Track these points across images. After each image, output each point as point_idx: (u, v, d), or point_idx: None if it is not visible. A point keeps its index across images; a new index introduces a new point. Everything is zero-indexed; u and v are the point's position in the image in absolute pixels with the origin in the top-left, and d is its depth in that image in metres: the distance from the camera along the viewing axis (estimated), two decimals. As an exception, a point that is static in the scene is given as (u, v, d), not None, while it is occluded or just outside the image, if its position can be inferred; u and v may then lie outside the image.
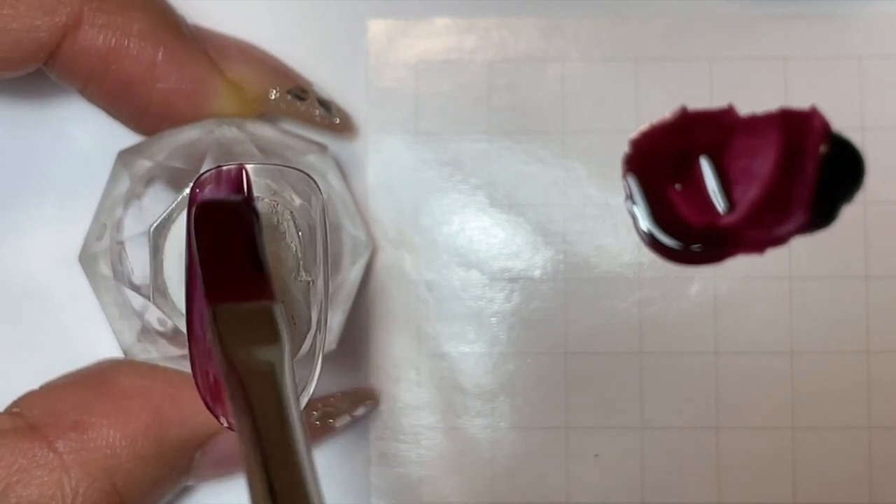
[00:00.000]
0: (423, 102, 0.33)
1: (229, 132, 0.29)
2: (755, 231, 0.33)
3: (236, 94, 0.30)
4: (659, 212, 0.33)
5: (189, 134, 0.29)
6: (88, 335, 0.32)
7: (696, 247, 0.33)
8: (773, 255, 0.33)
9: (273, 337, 0.22)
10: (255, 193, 0.25)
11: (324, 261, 0.25)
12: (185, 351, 0.24)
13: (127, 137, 0.31)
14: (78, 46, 0.28)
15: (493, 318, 0.33)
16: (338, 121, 0.32)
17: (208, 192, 0.24)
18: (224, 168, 0.25)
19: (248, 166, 0.25)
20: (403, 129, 0.33)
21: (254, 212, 0.24)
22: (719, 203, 0.33)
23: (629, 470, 0.33)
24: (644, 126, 0.33)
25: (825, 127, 0.33)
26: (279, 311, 0.22)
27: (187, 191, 0.27)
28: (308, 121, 0.32)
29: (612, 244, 0.33)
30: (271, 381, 0.21)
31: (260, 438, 0.20)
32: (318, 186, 0.25)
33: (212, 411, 0.24)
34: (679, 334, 0.33)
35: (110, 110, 0.31)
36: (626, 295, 0.33)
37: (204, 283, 0.22)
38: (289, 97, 0.31)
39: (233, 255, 0.23)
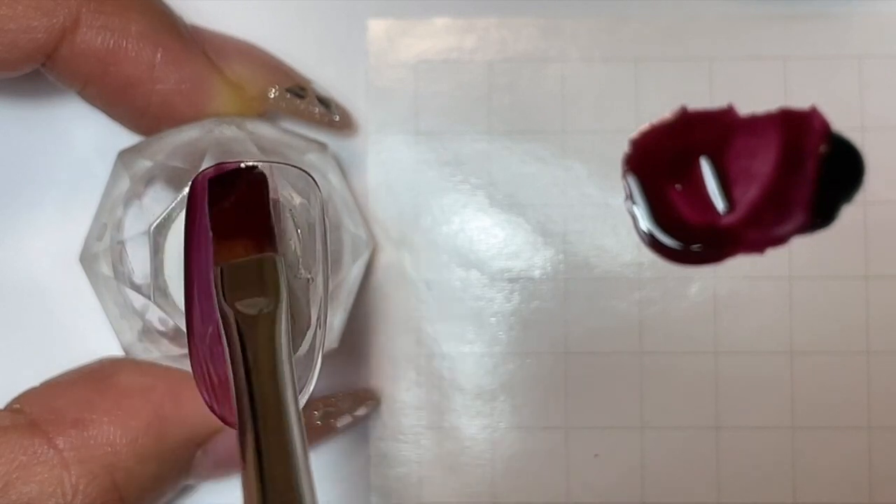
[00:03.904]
0: (423, 102, 0.33)
1: (229, 131, 0.29)
2: (755, 231, 0.33)
3: (235, 93, 0.30)
4: (659, 212, 0.33)
5: (189, 133, 0.29)
6: (89, 335, 0.32)
7: (696, 247, 0.33)
8: (773, 255, 0.33)
9: (265, 288, 0.23)
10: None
11: (323, 259, 0.25)
12: (187, 350, 0.24)
13: (127, 137, 0.31)
14: (76, 48, 0.28)
15: (493, 318, 0.33)
16: (337, 118, 0.32)
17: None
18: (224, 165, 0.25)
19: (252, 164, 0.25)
20: (403, 129, 0.33)
21: (262, 175, 0.25)
22: (719, 203, 0.33)
23: (629, 470, 0.33)
24: (644, 126, 0.33)
25: (825, 127, 0.33)
26: (278, 262, 0.24)
27: (187, 190, 0.27)
28: (308, 118, 0.32)
29: (612, 244, 0.33)
30: (263, 329, 0.23)
31: (251, 386, 0.22)
32: (316, 184, 0.25)
33: (213, 410, 0.24)
34: (679, 334, 0.33)
35: (109, 111, 0.31)
36: (626, 295, 0.33)
37: (213, 246, 0.24)
38: (288, 95, 0.31)
39: (240, 216, 0.24)
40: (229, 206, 0.25)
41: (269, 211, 0.25)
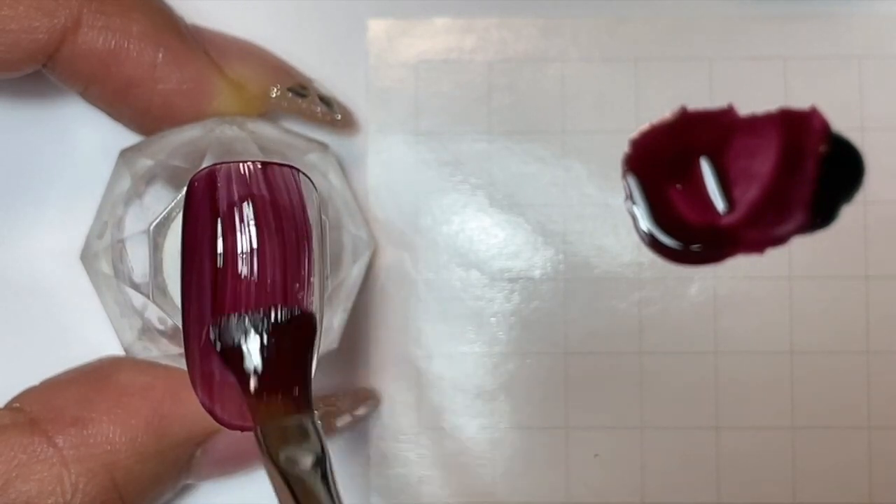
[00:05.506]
0: (423, 102, 0.33)
1: (230, 131, 0.29)
2: (755, 231, 0.33)
3: (237, 93, 0.30)
4: (659, 212, 0.33)
5: (190, 133, 0.29)
6: (89, 333, 0.32)
7: (696, 247, 0.33)
8: (773, 255, 0.33)
9: (309, 443, 0.24)
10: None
11: (321, 259, 0.25)
12: (185, 349, 0.24)
13: (128, 136, 0.31)
14: (77, 49, 0.28)
15: (493, 318, 0.33)
16: (339, 117, 0.32)
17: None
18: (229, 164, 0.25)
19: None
20: (403, 129, 0.33)
21: (312, 326, 0.25)
22: (719, 203, 0.33)
23: (629, 470, 0.33)
24: (644, 126, 0.33)
25: (825, 127, 0.33)
26: (316, 424, 0.24)
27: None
28: (310, 117, 0.32)
29: (612, 244, 0.33)
30: (312, 479, 0.23)
31: None
32: (313, 185, 0.25)
33: (209, 411, 0.24)
34: (679, 334, 0.33)
35: (111, 112, 0.31)
36: (626, 295, 0.33)
37: (249, 404, 0.24)
38: (290, 94, 0.31)
39: (280, 369, 0.24)
40: (272, 360, 0.24)
41: (310, 364, 0.25)
